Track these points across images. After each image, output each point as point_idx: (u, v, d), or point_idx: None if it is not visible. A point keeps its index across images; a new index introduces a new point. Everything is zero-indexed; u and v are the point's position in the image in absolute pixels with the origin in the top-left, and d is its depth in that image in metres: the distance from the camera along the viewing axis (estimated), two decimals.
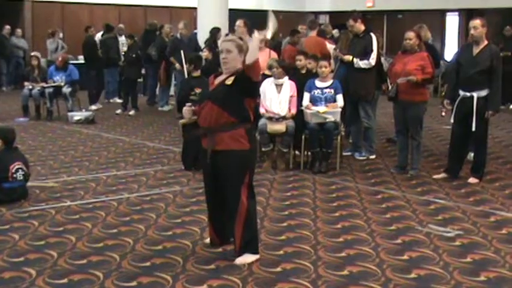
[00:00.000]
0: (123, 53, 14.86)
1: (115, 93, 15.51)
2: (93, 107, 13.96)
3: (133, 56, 13.86)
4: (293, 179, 7.84)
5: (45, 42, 17.56)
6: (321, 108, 8.23)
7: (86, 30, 15.34)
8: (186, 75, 10.01)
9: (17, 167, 6.65)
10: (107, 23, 16.09)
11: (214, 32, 12.61)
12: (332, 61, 9.32)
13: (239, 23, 10.71)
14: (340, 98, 8.40)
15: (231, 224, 5.01)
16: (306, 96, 8.43)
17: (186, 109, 5.46)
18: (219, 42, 5.31)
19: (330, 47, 10.66)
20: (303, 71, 8.84)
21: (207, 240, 5.36)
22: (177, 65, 13.05)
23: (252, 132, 5.04)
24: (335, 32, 14.15)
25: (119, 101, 14.61)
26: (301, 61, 8.88)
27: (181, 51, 12.46)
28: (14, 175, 6.61)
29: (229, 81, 4.86)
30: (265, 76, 8.57)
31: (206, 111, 4.94)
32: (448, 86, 8.59)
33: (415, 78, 7.78)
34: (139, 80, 15.13)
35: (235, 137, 4.86)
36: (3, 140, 6.76)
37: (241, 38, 5.08)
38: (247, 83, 4.79)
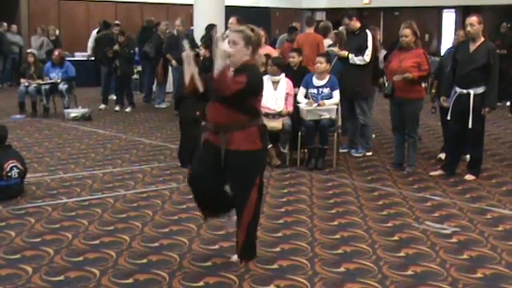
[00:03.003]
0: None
1: (112, 90, 15.47)
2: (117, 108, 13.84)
3: (131, 52, 13.80)
4: (289, 176, 7.84)
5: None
6: (315, 104, 8.26)
7: (106, 28, 15.16)
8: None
9: (11, 165, 6.63)
10: (104, 20, 16.04)
11: (210, 28, 12.58)
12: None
13: (232, 20, 10.71)
14: (336, 93, 8.40)
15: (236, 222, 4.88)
16: (302, 91, 8.44)
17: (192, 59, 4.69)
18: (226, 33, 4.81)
19: (327, 42, 10.68)
20: (295, 68, 8.86)
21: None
22: (174, 62, 13.03)
23: (264, 130, 4.85)
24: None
25: (115, 97, 14.56)
26: (294, 58, 8.91)
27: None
28: (9, 173, 6.58)
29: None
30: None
31: (216, 109, 4.73)
32: (439, 82, 8.60)
33: (411, 75, 7.78)
34: (134, 76, 15.06)
35: (249, 137, 4.69)
36: None
37: (252, 29, 4.76)
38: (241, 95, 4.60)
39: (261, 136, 4.78)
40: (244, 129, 4.69)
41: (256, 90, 4.78)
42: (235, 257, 4.91)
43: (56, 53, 13.14)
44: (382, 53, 10.03)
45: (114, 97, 14.19)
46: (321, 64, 8.41)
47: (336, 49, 9.21)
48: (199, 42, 12.61)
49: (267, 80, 8.45)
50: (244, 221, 4.80)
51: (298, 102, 8.39)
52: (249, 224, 4.81)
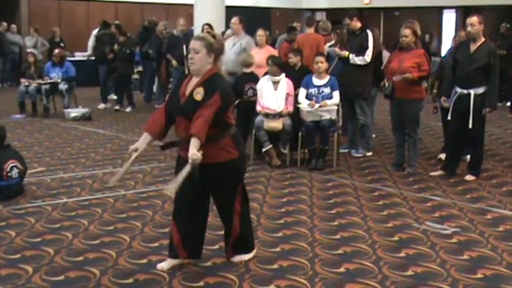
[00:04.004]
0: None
1: (111, 90, 15.46)
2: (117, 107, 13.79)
3: (128, 52, 13.80)
4: (290, 176, 7.84)
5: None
6: (317, 105, 8.25)
7: (106, 28, 15.19)
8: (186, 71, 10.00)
9: (11, 165, 6.62)
10: (104, 19, 16.04)
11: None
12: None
13: (234, 20, 10.72)
14: (336, 94, 8.39)
15: (226, 229, 4.89)
16: (303, 92, 8.43)
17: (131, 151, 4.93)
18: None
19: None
20: (296, 68, 8.88)
21: (162, 265, 4.81)
22: (174, 62, 13.03)
23: (238, 137, 4.68)
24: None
25: (115, 97, 14.58)
26: (291, 58, 8.93)
27: (184, 47, 12.44)
28: (9, 173, 6.58)
29: (198, 96, 4.43)
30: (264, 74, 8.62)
31: (184, 125, 4.48)
32: (440, 82, 8.61)
33: (411, 75, 7.78)
34: (134, 76, 15.05)
35: (222, 147, 4.51)
36: None
37: (214, 36, 4.60)
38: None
39: (236, 145, 4.60)
40: (217, 142, 4.49)
41: (228, 105, 4.56)
42: (236, 257, 4.90)
43: (56, 51, 13.14)
44: (386, 54, 10.01)
45: (115, 97, 14.19)
46: (322, 64, 8.41)
47: (336, 49, 9.21)
48: None
49: (267, 80, 8.47)
50: (234, 231, 4.81)
51: (300, 103, 8.38)
52: (240, 232, 4.83)
